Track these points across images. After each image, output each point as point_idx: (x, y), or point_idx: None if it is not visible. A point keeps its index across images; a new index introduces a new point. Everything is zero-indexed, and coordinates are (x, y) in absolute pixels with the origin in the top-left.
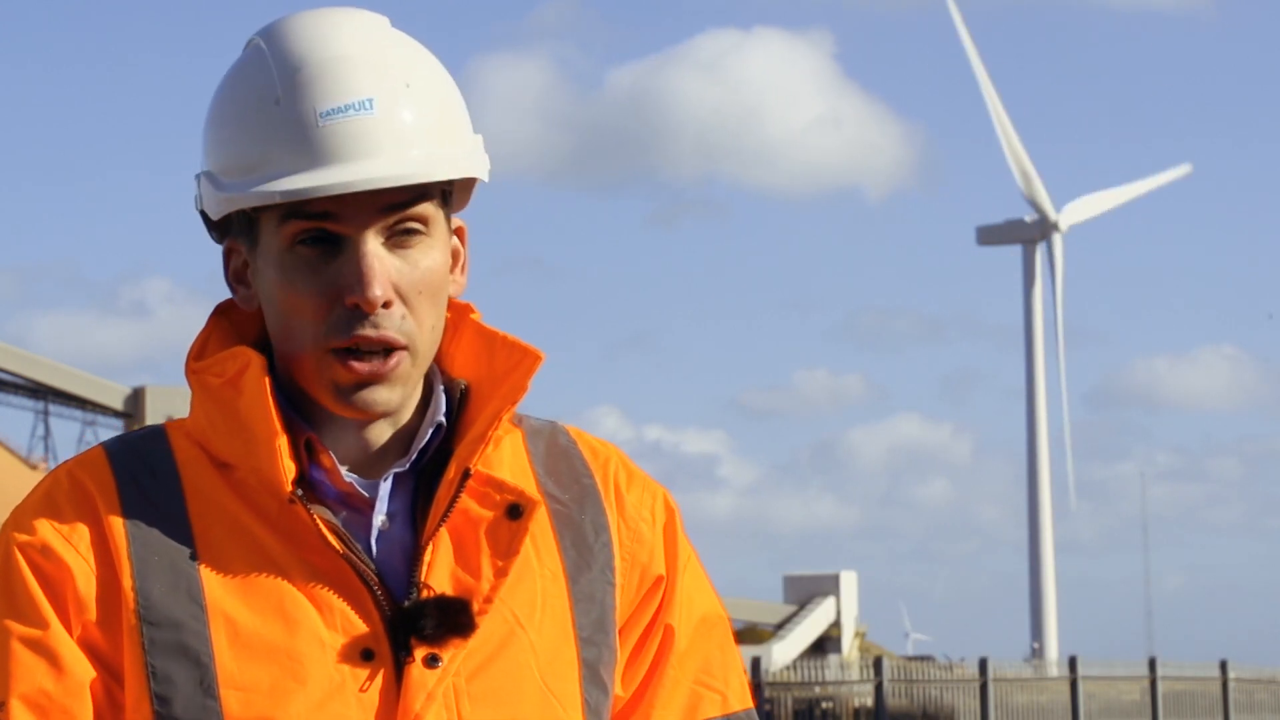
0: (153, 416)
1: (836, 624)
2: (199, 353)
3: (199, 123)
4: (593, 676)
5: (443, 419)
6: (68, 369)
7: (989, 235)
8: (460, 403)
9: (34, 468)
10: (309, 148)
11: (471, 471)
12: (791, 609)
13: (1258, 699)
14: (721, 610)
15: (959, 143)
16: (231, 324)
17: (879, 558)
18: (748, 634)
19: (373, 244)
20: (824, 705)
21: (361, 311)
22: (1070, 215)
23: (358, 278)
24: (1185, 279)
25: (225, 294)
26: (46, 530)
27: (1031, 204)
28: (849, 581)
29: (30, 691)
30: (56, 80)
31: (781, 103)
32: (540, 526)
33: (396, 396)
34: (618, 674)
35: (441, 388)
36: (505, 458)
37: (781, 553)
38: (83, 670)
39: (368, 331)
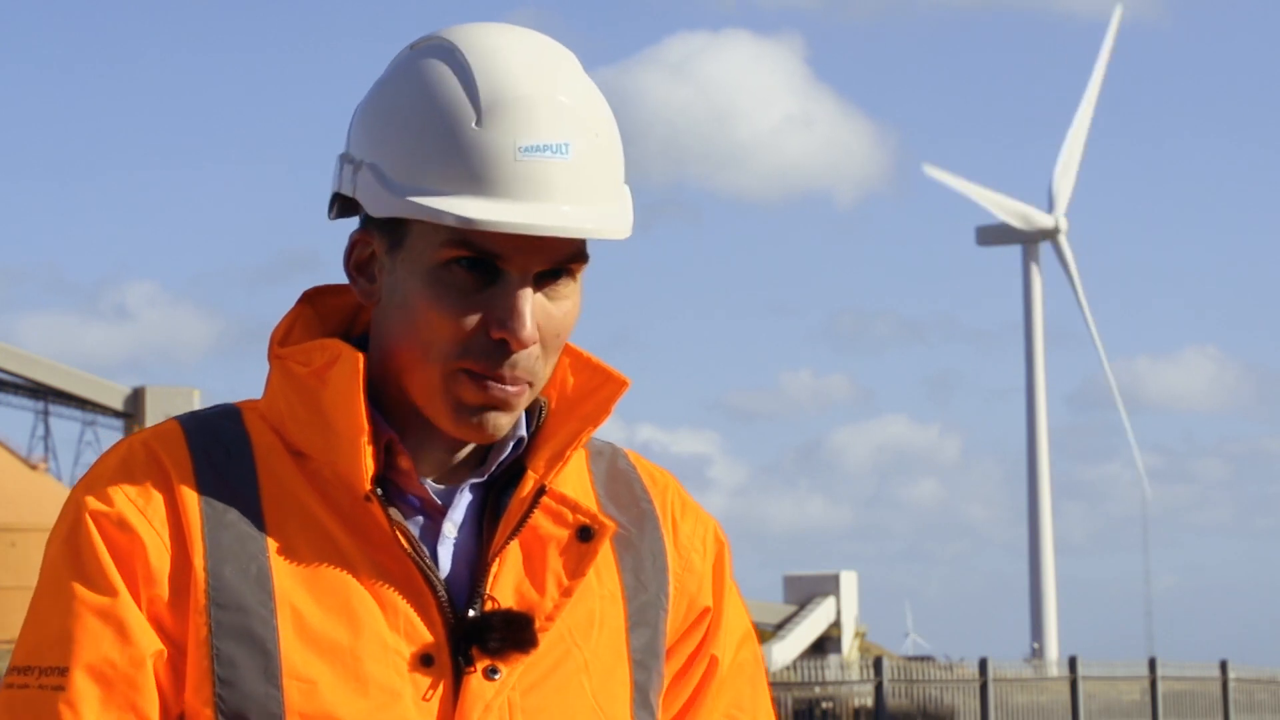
0: (153, 417)
1: (836, 624)
2: (283, 338)
3: (185, 125)
4: (643, 700)
5: (524, 434)
6: (67, 369)
7: (989, 235)
8: (538, 418)
9: (34, 468)
10: (503, 179)
11: (547, 489)
12: (791, 609)
13: (1258, 699)
14: (755, 643)
15: (934, 145)
16: (316, 312)
17: (873, 558)
18: None
19: (530, 285)
20: (824, 705)
21: (506, 348)
22: (1060, 195)
23: (512, 317)
24: (1167, 280)
25: (211, 300)
26: (121, 501)
27: (1033, 230)
28: (849, 581)
29: (95, 660)
30: (40, 82)
31: (752, 106)
32: (602, 547)
33: (509, 423)
34: (661, 699)
35: None
36: (570, 477)
37: (774, 553)
38: (149, 642)
39: (505, 370)
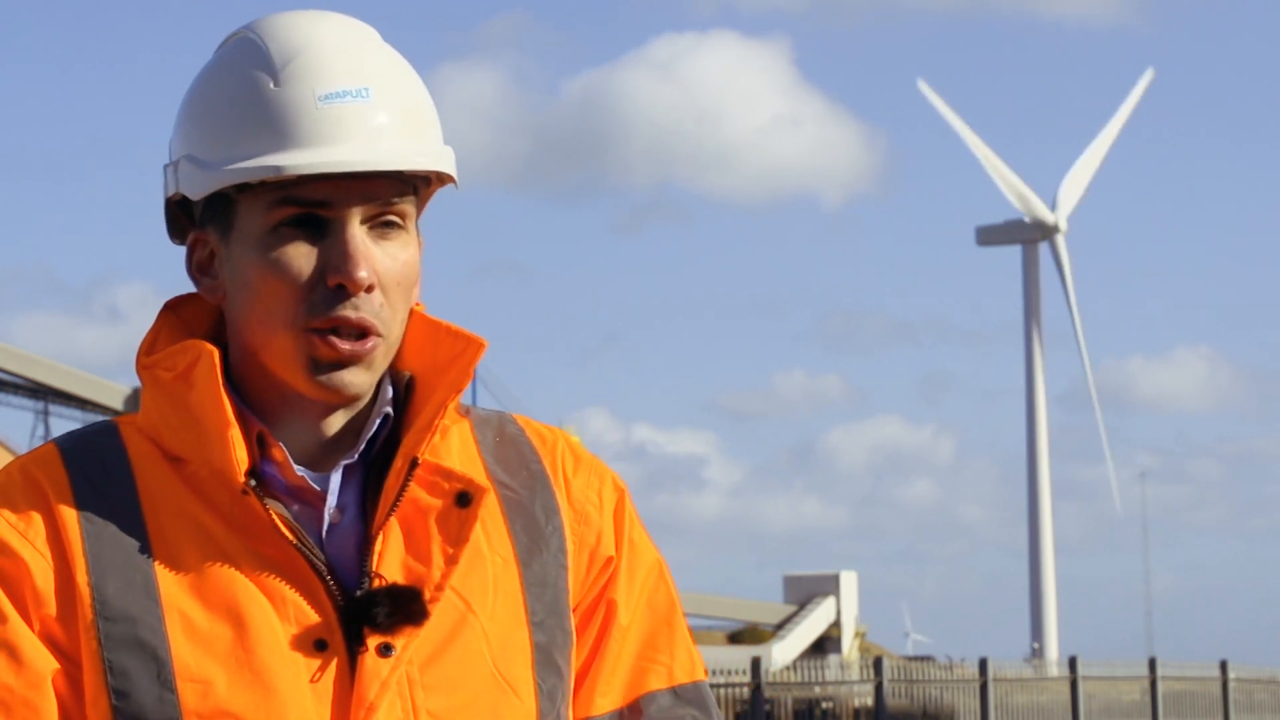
0: None
1: (836, 624)
2: (149, 348)
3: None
4: (546, 660)
5: (389, 409)
6: (67, 369)
7: (989, 235)
8: (406, 393)
9: None
10: (307, 129)
11: (419, 461)
12: (791, 609)
13: (1258, 699)
14: (666, 578)
15: (922, 146)
16: (181, 320)
17: (871, 558)
18: (748, 634)
19: (359, 229)
20: (824, 705)
21: (344, 293)
22: (1065, 203)
23: (344, 259)
24: (1160, 280)
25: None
26: (2, 527)
27: (1030, 218)
28: (849, 581)
29: None
30: (33, 82)
31: (740, 107)
32: (491, 513)
33: (367, 381)
34: (573, 656)
35: (389, 379)
36: (454, 447)
37: (773, 553)
38: (44, 663)
39: (348, 313)
